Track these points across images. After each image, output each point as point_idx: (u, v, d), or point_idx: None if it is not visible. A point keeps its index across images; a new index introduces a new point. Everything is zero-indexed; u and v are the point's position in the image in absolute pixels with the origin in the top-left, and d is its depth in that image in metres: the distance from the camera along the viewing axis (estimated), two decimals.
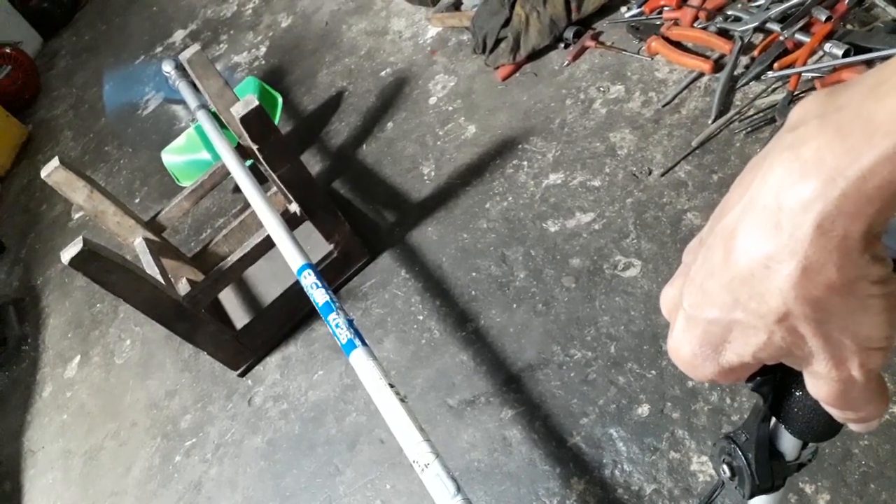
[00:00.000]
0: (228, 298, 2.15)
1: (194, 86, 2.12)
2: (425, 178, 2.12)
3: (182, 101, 2.26)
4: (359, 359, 1.23)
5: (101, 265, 1.63)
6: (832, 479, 1.13)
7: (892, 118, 0.27)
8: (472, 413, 1.54)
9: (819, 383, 0.33)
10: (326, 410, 1.72)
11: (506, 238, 1.82)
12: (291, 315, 1.96)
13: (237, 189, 2.51)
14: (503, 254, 1.79)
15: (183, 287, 1.84)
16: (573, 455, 1.36)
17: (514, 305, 1.68)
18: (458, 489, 0.99)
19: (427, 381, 1.65)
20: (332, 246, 1.94)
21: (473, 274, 1.80)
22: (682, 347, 0.35)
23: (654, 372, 1.39)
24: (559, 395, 1.46)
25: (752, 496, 0.49)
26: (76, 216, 3.11)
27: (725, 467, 0.50)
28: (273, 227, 1.54)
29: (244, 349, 1.92)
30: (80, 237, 1.59)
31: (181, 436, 1.91)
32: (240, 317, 2.08)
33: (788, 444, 0.47)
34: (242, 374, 1.94)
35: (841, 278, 0.29)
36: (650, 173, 1.72)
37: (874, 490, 1.09)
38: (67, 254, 1.59)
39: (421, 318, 1.80)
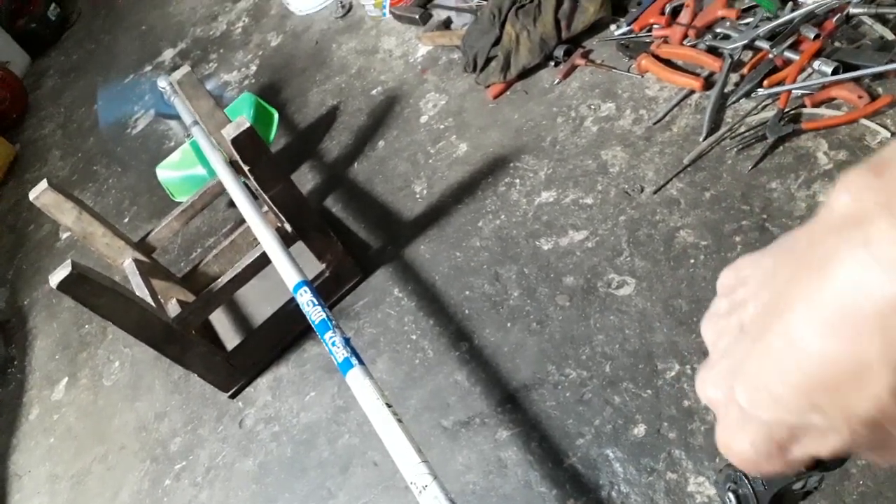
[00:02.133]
0: (219, 318, 2.13)
1: None
2: (417, 196, 2.11)
3: (176, 117, 2.25)
4: (355, 378, 1.22)
5: (90, 289, 1.61)
6: (830, 499, 1.12)
7: None
8: (467, 434, 1.52)
9: (886, 459, 0.33)
10: (318, 432, 1.70)
11: (499, 256, 1.81)
12: (283, 336, 1.94)
13: (230, 205, 2.50)
14: (496, 272, 1.78)
15: (173, 308, 1.82)
16: (569, 476, 1.34)
17: (508, 324, 1.67)
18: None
19: (421, 402, 1.64)
20: (323, 265, 1.92)
21: (467, 293, 1.79)
22: (740, 446, 0.34)
23: (649, 391, 1.38)
24: (555, 416, 1.45)
25: None
26: (64, 236, 3.09)
27: (731, 495, 0.49)
28: (269, 243, 1.53)
29: (235, 371, 1.89)
30: (69, 260, 1.57)
31: (171, 459, 1.88)
32: (230, 337, 2.06)
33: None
34: (233, 396, 1.92)
35: None
36: (642, 191, 1.72)
37: None
38: (56, 277, 1.57)
39: (414, 337, 1.79)
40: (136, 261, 1.93)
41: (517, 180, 1.94)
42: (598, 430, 1.38)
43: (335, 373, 1.78)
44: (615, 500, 1.27)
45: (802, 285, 0.30)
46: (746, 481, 0.50)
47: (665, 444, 1.29)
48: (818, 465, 0.43)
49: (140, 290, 1.81)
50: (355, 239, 2.12)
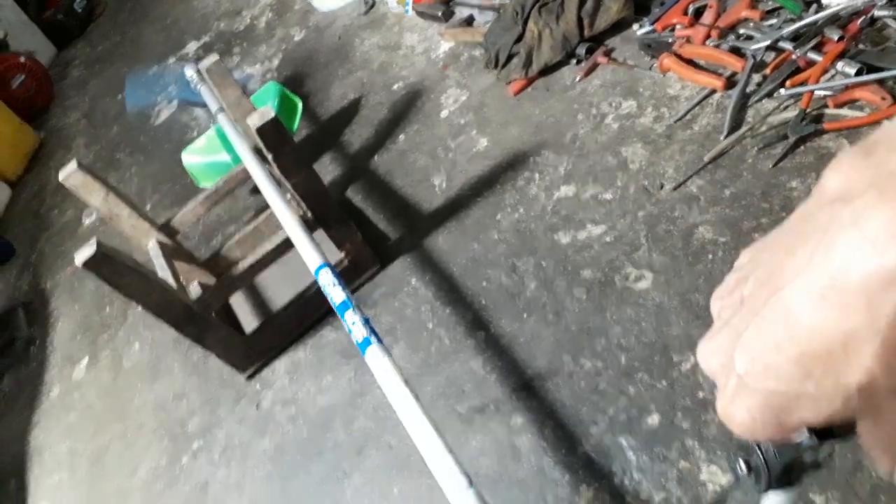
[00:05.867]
0: (239, 303, 2.16)
1: None
2: (437, 189, 2.14)
3: (202, 105, 2.30)
4: (374, 355, 1.24)
5: (114, 268, 1.65)
6: (842, 491, 1.13)
7: None
8: (482, 420, 1.54)
9: (881, 434, 0.34)
10: (335, 415, 1.73)
11: (517, 249, 1.83)
12: (301, 321, 1.97)
13: (252, 193, 2.54)
14: (514, 264, 1.80)
15: (194, 290, 1.85)
16: (583, 463, 1.36)
17: (525, 315, 1.68)
18: (471, 482, 1.00)
19: (436, 389, 1.66)
20: (342, 254, 1.95)
21: (484, 284, 1.81)
22: (739, 414, 0.36)
23: (664, 382, 1.39)
24: (569, 404, 1.46)
25: (767, 490, 0.51)
26: (87, 222, 3.14)
27: (742, 463, 0.51)
28: (291, 226, 1.55)
29: (253, 353, 1.92)
30: (94, 239, 1.61)
31: (188, 438, 1.91)
32: (249, 321, 2.09)
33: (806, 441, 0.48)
34: (251, 378, 1.95)
35: None
36: (662, 187, 1.73)
37: (885, 502, 1.09)
38: (81, 255, 1.61)
39: (430, 326, 1.81)
40: (160, 243, 1.97)
41: (536, 175, 1.96)
42: (612, 419, 1.39)
43: (352, 358, 1.80)
44: (627, 487, 1.29)
45: (796, 260, 0.32)
46: (759, 451, 0.51)
47: (679, 434, 1.31)
48: (828, 434, 0.44)
49: (163, 271, 1.84)
50: (374, 230, 2.15)
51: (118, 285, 1.67)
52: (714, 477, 1.23)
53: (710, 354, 0.38)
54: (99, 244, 1.62)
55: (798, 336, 0.31)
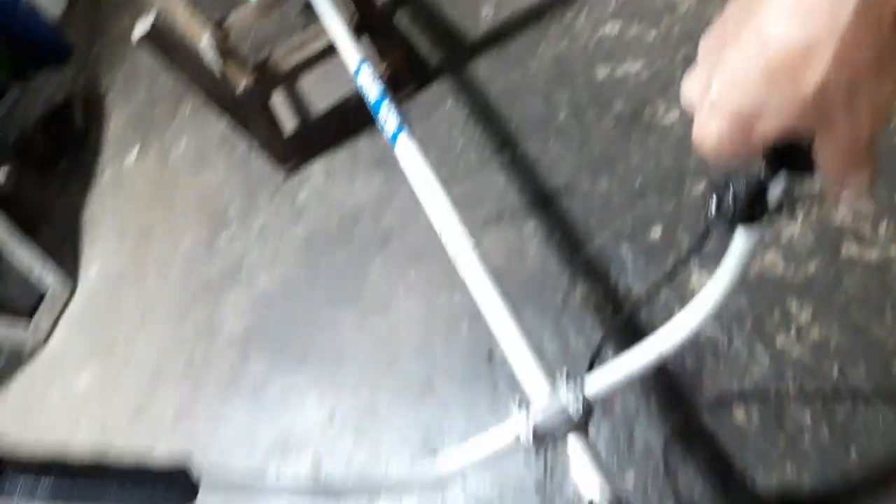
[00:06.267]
0: (283, 112, 2.25)
1: None
2: (483, 19, 2.16)
3: None
4: (403, 143, 1.33)
5: (169, 44, 1.74)
6: (818, 301, 1.22)
7: None
8: (496, 226, 1.65)
9: (833, 148, 0.38)
10: (364, 212, 1.86)
11: (553, 81, 1.87)
12: (340, 128, 2.07)
13: (305, 9, 2.57)
14: (548, 94, 1.85)
15: (242, 83, 1.94)
16: (583, 264, 1.47)
17: (551, 141, 1.75)
18: (476, 244, 1.11)
19: (457, 197, 1.73)
20: (383, 67, 2.01)
21: (516, 110, 1.87)
22: (709, 134, 0.39)
23: (673, 204, 1.47)
24: (580, 217, 1.56)
25: (736, 225, 0.57)
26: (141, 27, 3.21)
27: (714, 198, 0.57)
28: (336, 25, 1.61)
29: (292, 153, 2.04)
30: (153, 14, 1.68)
31: (227, 224, 2.07)
32: (291, 128, 2.20)
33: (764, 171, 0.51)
34: (288, 174, 2.07)
35: (875, 54, 0.33)
36: (705, 30, 1.73)
37: (855, 313, 1.18)
38: (141, 27, 1.69)
39: (460, 145, 1.89)
40: (212, 39, 2.04)
41: (584, 11, 1.97)
42: (617, 231, 1.49)
43: (385, 165, 1.91)
44: (621, 286, 1.40)
45: None
46: (730, 187, 0.56)
47: (677, 247, 1.40)
48: (784, 163, 0.49)
49: (214, 63, 1.93)
50: (416, 53, 2.20)
51: (171, 62, 1.77)
52: (703, 284, 1.33)
53: (691, 87, 0.42)
54: (156, 19, 1.70)
55: (766, 50, 0.35)
